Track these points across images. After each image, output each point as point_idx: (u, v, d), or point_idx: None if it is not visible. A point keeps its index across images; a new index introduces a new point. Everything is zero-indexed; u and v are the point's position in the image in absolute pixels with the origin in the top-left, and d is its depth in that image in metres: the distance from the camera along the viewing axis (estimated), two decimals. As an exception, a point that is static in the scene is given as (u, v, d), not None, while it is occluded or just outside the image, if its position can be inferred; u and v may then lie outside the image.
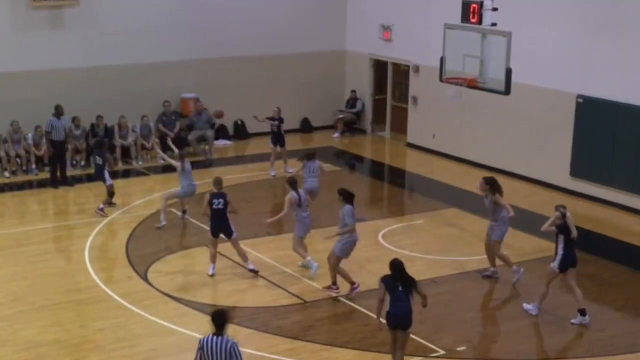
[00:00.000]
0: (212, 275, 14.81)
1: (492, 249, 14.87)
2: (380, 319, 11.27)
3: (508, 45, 15.04)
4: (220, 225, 14.62)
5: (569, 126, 19.45)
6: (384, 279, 11.17)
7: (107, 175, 17.91)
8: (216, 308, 9.40)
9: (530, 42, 19.22)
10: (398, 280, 11.12)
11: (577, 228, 17.64)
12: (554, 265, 13.33)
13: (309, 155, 17.54)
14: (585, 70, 19.08)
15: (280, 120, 20.89)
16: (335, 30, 25.42)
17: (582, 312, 13.30)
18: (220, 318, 9.07)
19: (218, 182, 14.85)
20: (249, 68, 24.23)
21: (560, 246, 13.25)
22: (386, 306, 11.13)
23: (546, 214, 18.22)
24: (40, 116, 20.24)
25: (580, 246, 16.49)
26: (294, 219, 15.01)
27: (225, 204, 14.57)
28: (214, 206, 14.53)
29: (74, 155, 21.17)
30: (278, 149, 20.77)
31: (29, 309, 13.48)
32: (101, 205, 17.78)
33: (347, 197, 14.03)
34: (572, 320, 13.30)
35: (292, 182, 14.92)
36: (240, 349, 9.15)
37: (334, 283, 14.26)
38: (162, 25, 22.82)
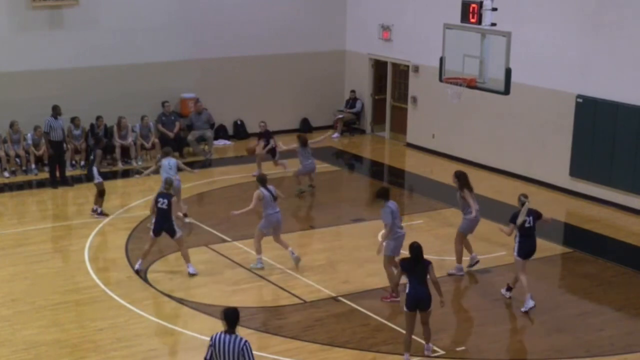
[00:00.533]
0: (137, 272, 14.79)
1: (456, 238, 15.14)
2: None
3: (508, 45, 15.03)
4: (162, 224, 14.71)
5: (569, 126, 19.45)
6: (402, 262, 12.02)
7: (95, 172, 17.57)
8: (227, 307, 9.33)
9: (530, 42, 19.23)
10: (416, 262, 11.74)
11: (577, 228, 17.84)
12: (515, 254, 13.76)
13: (302, 141, 18.96)
14: (584, 71, 19.07)
15: (269, 135, 20.42)
16: (335, 30, 25.42)
17: (509, 289, 14.07)
18: (232, 316, 9.05)
19: (167, 182, 15.11)
20: (249, 68, 24.23)
21: (517, 233, 13.70)
22: (406, 288, 11.85)
23: (546, 214, 18.27)
24: (40, 116, 20.23)
25: (580, 246, 16.61)
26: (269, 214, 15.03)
27: (169, 204, 14.65)
28: (159, 205, 14.71)
29: (73, 155, 21.17)
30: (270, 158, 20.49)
31: (28, 309, 13.47)
32: (98, 209, 17.59)
33: (383, 196, 14.13)
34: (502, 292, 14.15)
35: (262, 180, 15.12)
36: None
37: (394, 290, 13.88)
38: (162, 25, 22.82)
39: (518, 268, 13.78)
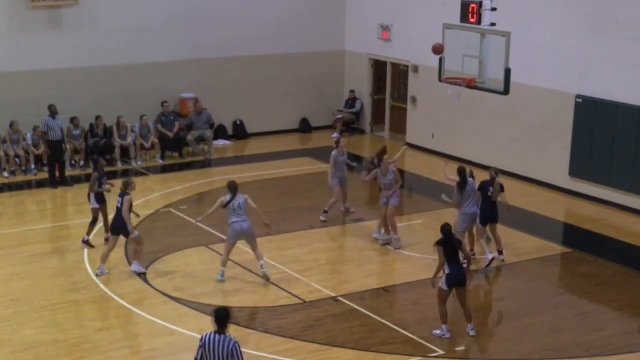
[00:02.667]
0: (97, 275, 14.63)
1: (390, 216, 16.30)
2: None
3: (507, 45, 15.04)
4: (116, 222, 14.74)
5: (568, 126, 19.45)
6: (440, 243, 12.46)
7: (92, 197, 15.98)
8: (219, 306, 9.32)
9: (529, 42, 19.21)
10: (450, 243, 12.44)
11: (577, 228, 17.85)
12: (477, 222, 15.31)
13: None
14: (584, 71, 19.07)
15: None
16: (334, 30, 25.42)
17: (500, 252, 15.50)
18: (223, 316, 9.04)
19: (124, 183, 14.89)
20: (248, 68, 24.23)
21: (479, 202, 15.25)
22: (445, 269, 12.40)
23: (546, 214, 18.32)
24: (39, 116, 20.22)
25: (580, 246, 16.61)
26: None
27: (122, 203, 14.62)
28: (117, 204, 14.78)
29: (73, 155, 21.16)
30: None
31: (27, 310, 13.46)
32: (85, 237, 16.12)
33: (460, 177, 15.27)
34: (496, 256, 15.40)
35: (229, 187, 14.50)
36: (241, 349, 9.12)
37: (472, 250, 15.63)
38: (162, 25, 22.81)
39: (479, 235, 15.36)
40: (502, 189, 15.39)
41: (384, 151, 16.64)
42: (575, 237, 17.64)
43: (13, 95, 21.14)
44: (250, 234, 14.52)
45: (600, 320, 13.44)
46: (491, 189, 15.29)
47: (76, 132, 21.24)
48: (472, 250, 15.69)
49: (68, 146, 20.73)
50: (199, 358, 9.03)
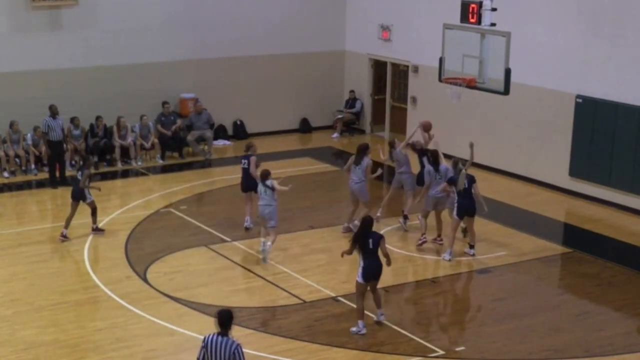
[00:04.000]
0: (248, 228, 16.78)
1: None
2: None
3: (507, 45, 15.04)
4: (246, 181, 16.74)
5: (568, 126, 19.45)
6: (356, 235, 12.58)
7: (86, 192, 16.47)
8: (222, 308, 9.32)
9: (529, 42, 19.22)
10: (368, 236, 12.42)
11: (577, 228, 17.85)
12: (454, 214, 15.51)
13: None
14: (584, 71, 19.07)
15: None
16: (334, 31, 25.42)
17: (471, 247, 15.78)
18: (225, 318, 9.03)
19: (247, 145, 17.17)
20: (248, 68, 24.23)
21: (455, 196, 15.55)
22: (360, 262, 12.49)
23: (546, 214, 18.32)
24: (39, 116, 20.21)
25: (580, 246, 16.61)
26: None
27: (249, 164, 16.61)
28: (243, 165, 16.85)
29: (73, 155, 21.16)
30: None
31: (27, 310, 13.46)
32: (94, 226, 16.72)
33: (431, 158, 16.11)
34: (466, 250, 15.75)
35: (262, 174, 15.56)
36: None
37: (423, 234, 16.08)
38: (162, 25, 22.82)
39: (453, 227, 15.56)
40: (473, 179, 15.42)
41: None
42: (575, 237, 17.64)
43: (13, 95, 21.14)
44: (269, 218, 15.42)
45: (600, 320, 13.44)
46: (465, 181, 15.41)
47: (76, 132, 21.24)
48: (439, 236, 16.22)
49: (68, 146, 20.74)
50: (200, 359, 9.04)
